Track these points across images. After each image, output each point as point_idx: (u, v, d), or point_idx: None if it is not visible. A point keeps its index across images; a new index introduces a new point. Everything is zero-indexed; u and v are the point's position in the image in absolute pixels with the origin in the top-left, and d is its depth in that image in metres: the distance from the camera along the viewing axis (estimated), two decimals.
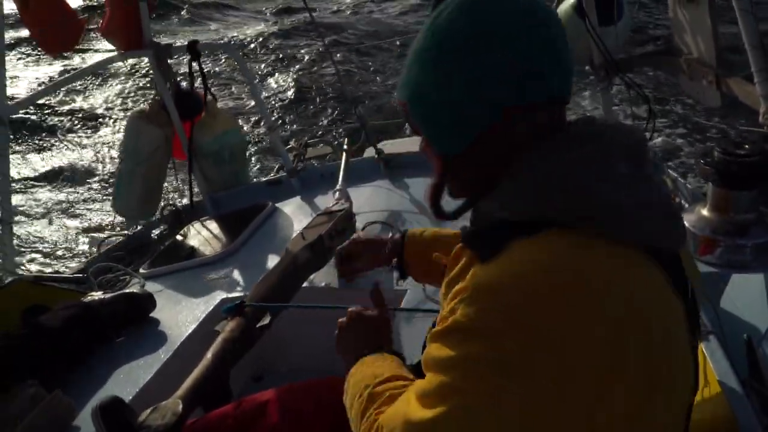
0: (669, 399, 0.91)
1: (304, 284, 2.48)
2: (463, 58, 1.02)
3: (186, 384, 1.87)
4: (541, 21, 1.02)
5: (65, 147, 8.73)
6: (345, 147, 3.82)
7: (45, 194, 7.51)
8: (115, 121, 9.20)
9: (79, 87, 10.23)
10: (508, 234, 0.93)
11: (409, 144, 4.48)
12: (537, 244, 0.90)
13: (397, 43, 9.56)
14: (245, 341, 2.07)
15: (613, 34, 3.23)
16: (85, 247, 6.25)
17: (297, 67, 10.24)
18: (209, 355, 1.98)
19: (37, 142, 8.94)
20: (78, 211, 7.04)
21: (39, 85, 10.28)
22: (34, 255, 6.27)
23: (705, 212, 2.18)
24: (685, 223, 2.17)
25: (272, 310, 2.13)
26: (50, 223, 6.87)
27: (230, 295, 2.69)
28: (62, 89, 9.34)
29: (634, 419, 0.87)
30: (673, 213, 0.98)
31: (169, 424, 1.69)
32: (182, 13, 13.62)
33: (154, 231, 4.12)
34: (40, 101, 9.16)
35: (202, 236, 3.45)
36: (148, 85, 9.37)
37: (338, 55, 9.78)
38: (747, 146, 2.04)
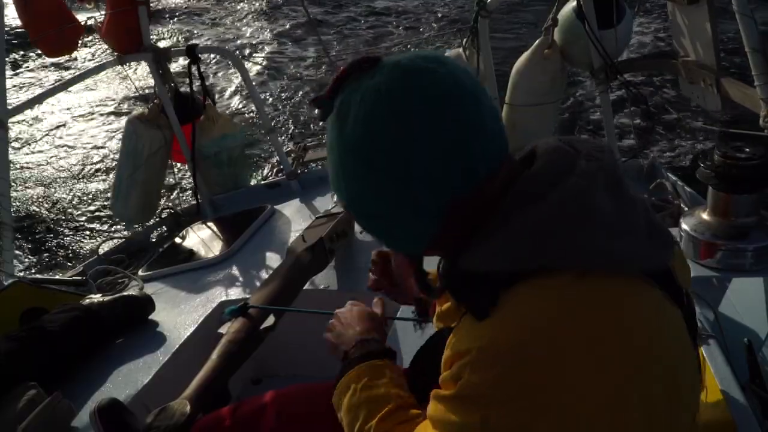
0: (678, 407, 0.92)
1: (305, 287, 2.48)
2: (387, 168, 0.94)
3: (193, 385, 1.88)
4: (451, 100, 0.94)
5: (64, 149, 8.72)
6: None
7: (44, 196, 7.50)
8: (114, 123, 9.19)
9: (77, 88, 10.22)
10: (497, 287, 0.89)
11: None
12: (529, 298, 0.88)
13: (394, 50, 9.56)
14: (250, 343, 2.07)
15: (612, 38, 3.23)
16: (84, 250, 6.25)
17: (296, 69, 10.24)
18: (214, 356, 1.98)
19: (36, 144, 8.93)
20: (77, 214, 7.02)
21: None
22: (33, 257, 6.26)
23: (705, 216, 2.18)
24: (684, 227, 2.18)
25: (275, 312, 2.14)
26: (49, 225, 6.85)
27: (229, 298, 2.69)
28: (61, 92, 9.34)
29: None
30: (657, 233, 0.96)
31: (177, 423, 1.70)
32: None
33: (152, 233, 4.12)
34: (40, 103, 9.14)
35: (201, 239, 3.44)
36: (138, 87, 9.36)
37: (341, 55, 9.79)
38: (747, 150, 2.04)
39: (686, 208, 2.71)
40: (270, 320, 2.12)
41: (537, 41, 3.56)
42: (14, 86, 10.45)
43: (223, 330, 2.09)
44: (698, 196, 2.82)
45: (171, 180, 4.73)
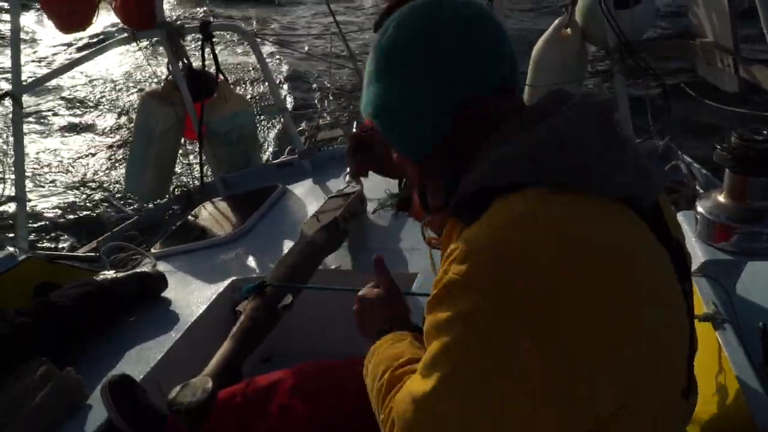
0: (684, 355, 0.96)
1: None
2: (414, 66, 1.08)
3: (213, 362, 1.90)
4: (475, 20, 1.09)
5: (78, 125, 8.74)
6: (355, 129, 3.81)
7: (58, 172, 7.52)
8: (128, 99, 9.20)
9: (91, 64, 10.22)
10: (489, 198, 0.96)
11: None
12: (514, 200, 0.94)
13: None
14: (268, 320, 2.09)
15: (629, 18, 3.20)
16: (98, 226, 6.27)
17: (309, 47, 10.19)
18: (234, 334, 1.99)
19: (50, 120, 8.95)
20: (91, 190, 7.04)
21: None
22: (46, 233, 6.29)
23: (721, 199, 2.15)
24: (700, 210, 2.16)
25: (292, 290, 2.14)
26: (63, 201, 6.88)
27: (242, 276, 2.69)
28: (75, 68, 9.35)
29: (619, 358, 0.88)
30: (644, 170, 1.00)
31: (201, 400, 1.70)
32: None
33: (165, 211, 4.13)
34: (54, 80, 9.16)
35: (214, 217, 3.45)
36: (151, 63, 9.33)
37: (351, 36, 9.72)
38: (765, 132, 2.01)
39: (702, 191, 2.69)
40: (287, 299, 2.12)
41: (556, 21, 3.52)
42: (29, 62, 10.46)
43: (240, 308, 2.09)
44: (714, 178, 2.80)
45: (184, 157, 4.74)
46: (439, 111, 1.08)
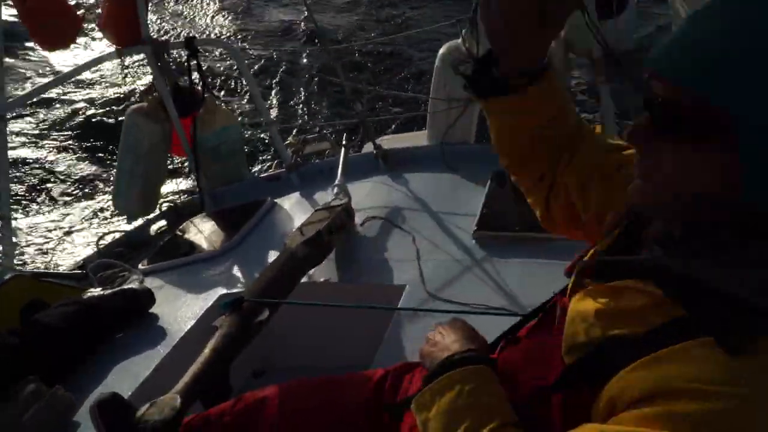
0: None
1: (304, 279, 2.48)
2: None
3: (184, 379, 1.88)
4: None
5: (63, 142, 8.70)
6: (344, 142, 3.81)
7: (44, 190, 7.49)
8: (113, 116, 9.17)
9: (76, 81, 10.20)
10: (760, 326, 0.75)
11: (406, 139, 4.48)
12: None
13: (389, 50, 9.58)
14: (243, 336, 2.07)
15: (614, 28, 3.22)
16: (84, 243, 6.24)
17: (294, 60, 10.21)
18: (207, 350, 1.98)
19: (35, 137, 8.91)
20: (77, 207, 7.02)
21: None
22: (32, 251, 6.25)
23: None
24: None
25: (269, 306, 2.13)
26: (49, 218, 6.85)
27: (229, 291, 2.69)
28: (60, 85, 9.31)
29: None
30: None
31: (167, 419, 1.69)
32: None
33: (153, 227, 4.11)
34: (38, 96, 9.12)
35: (201, 232, 3.44)
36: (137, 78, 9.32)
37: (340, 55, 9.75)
38: None
39: None
40: (264, 314, 2.11)
41: None
42: (13, 79, 10.42)
43: (217, 323, 2.09)
44: None
45: (171, 173, 4.73)
46: None
